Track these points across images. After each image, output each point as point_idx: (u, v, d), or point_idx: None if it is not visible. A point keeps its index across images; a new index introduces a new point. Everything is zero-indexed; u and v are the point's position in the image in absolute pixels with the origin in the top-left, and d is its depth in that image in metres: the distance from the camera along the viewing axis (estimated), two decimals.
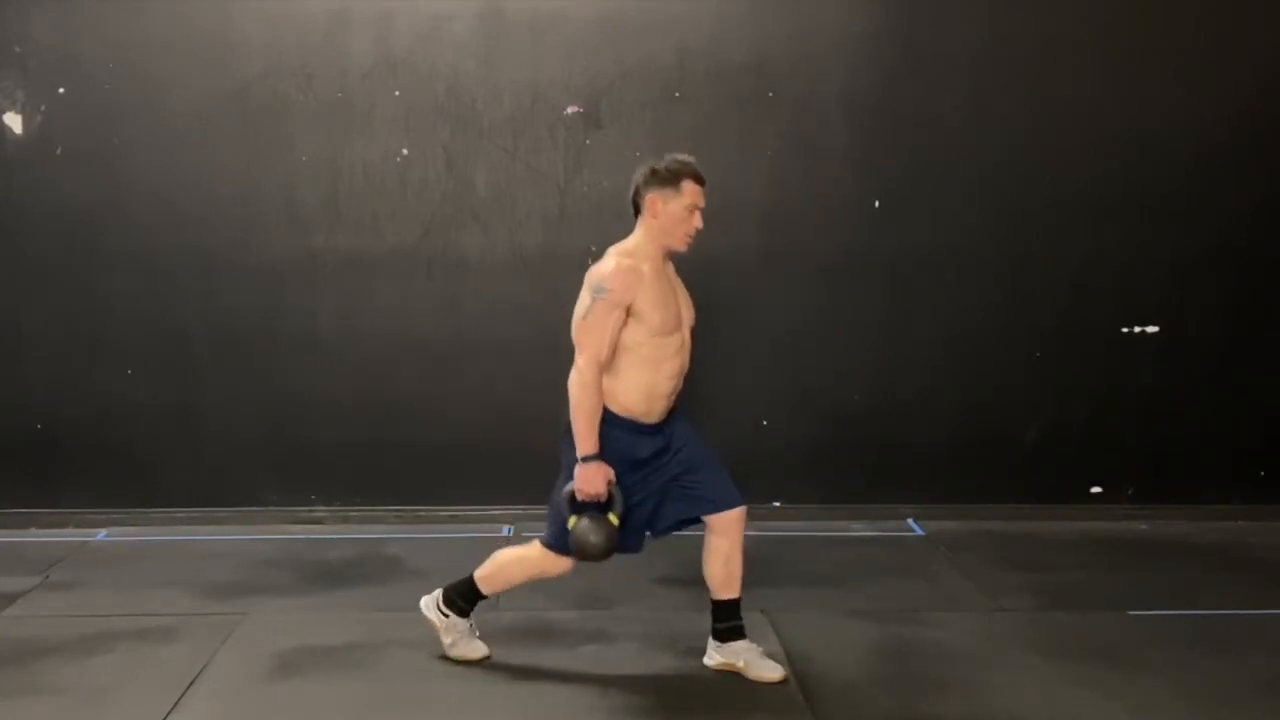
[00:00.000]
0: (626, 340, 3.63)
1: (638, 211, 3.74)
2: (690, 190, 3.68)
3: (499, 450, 5.69)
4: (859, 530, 5.61)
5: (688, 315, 3.79)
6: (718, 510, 3.77)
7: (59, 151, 5.54)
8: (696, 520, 3.82)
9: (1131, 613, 4.47)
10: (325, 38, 5.51)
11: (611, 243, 5.51)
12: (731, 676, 3.86)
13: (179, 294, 5.61)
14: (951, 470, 5.77)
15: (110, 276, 5.59)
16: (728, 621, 3.88)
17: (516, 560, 3.92)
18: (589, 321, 3.61)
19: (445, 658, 3.99)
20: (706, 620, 3.94)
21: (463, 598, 3.97)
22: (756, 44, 5.54)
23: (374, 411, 5.68)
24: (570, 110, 5.58)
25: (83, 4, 5.46)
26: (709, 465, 3.80)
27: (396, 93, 5.55)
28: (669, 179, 3.67)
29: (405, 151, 5.59)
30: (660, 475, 3.74)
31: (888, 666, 3.98)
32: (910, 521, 5.70)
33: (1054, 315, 5.74)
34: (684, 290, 3.82)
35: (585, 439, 3.61)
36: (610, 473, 3.63)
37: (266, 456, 5.73)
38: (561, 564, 3.83)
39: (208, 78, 5.51)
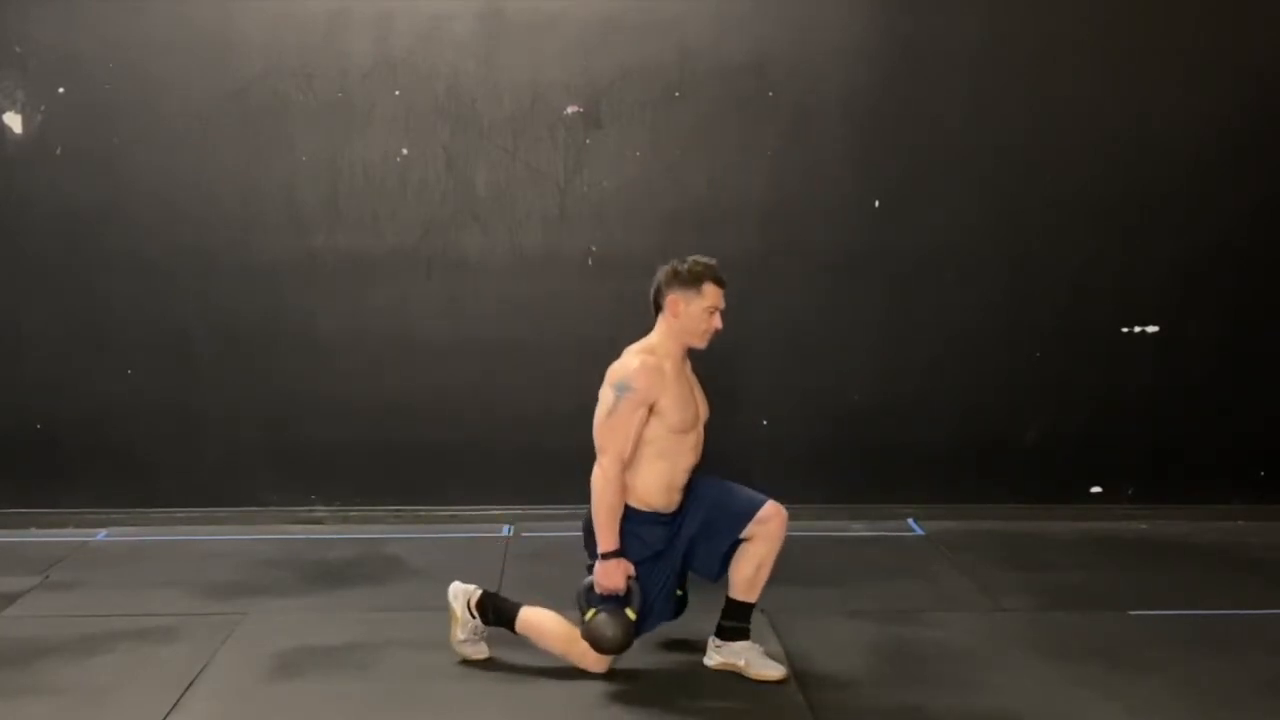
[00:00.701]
0: (646, 435, 3.73)
1: (658, 309, 3.82)
2: (711, 292, 3.77)
3: (499, 450, 5.70)
4: (859, 530, 5.61)
5: (703, 412, 3.89)
6: (750, 520, 3.77)
7: (59, 151, 5.54)
8: (738, 543, 3.82)
9: (1131, 613, 4.47)
10: (325, 38, 5.51)
11: (609, 243, 5.60)
12: (731, 676, 3.86)
13: (179, 294, 5.61)
14: (951, 470, 5.77)
15: (110, 276, 5.58)
16: (736, 622, 3.89)
17: (564, 639, 3.89)
18: (614, 421, 3.68)
19: (447, 650, 3.99)
20: (707, 620, 3.94)
21: (495, 615, 3.98)
22: (756, 44, 5.54)
23: (374, 411, 5.68)
24: (570, 110, 5.58)
25: (83, 4, 5.46)
26: (724, 496, 3.83)
27: (396, 93, 5.55)
28: (691, 281, 3.76)
29: (405, 151, 5.59)
30: (679, 544, 3.81)
31: (888, 666, 3.98)
32: (910, 521, 5.70)
33: (1054, 315, 5.74)
34: (699, 387, 3.92)
35: (607, 535, 3.69)
36: (630, 569, 3.71)
37: (266, 456, 5.73)
38: (602, 663, 3.84)
39: (208, 78, 5.51)
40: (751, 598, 3.86)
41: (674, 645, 4.10)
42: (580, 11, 5.53)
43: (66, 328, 5.62)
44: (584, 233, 5.62)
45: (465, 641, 3.98)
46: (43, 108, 5.51)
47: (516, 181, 5.62)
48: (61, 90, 5.51)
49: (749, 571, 3.82)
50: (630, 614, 3.71)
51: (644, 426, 3.70)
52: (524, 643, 4.01)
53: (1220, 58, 5.61)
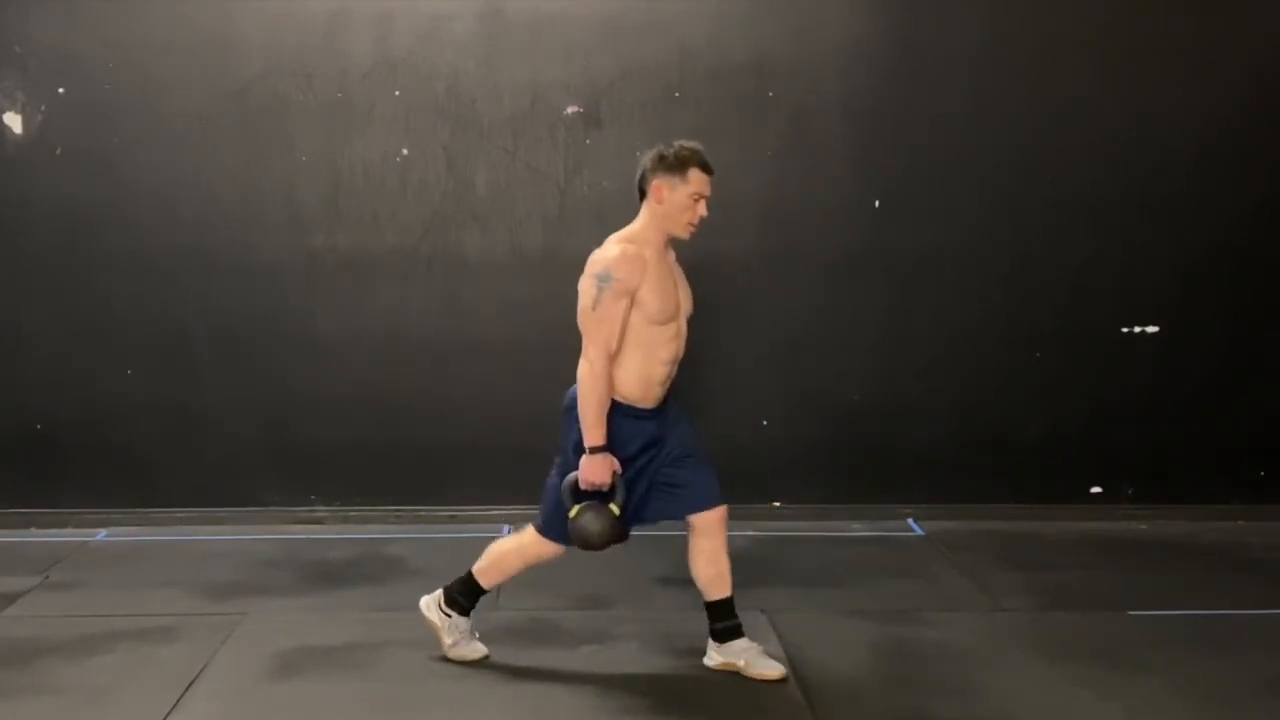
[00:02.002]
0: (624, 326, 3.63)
1: (643, 195, 3.72)
2: (696, 178, 3.66)
3: (499, 450, 5.69)
4: (859, 530, 5.61)
5: (686, 304, 3.78)
6: (699, 510, 3.77)
7: (59, 151, 5.54)
8: (678, 518, 3.81)
9: (1131, 613, 4.47)
10: (325, 38, 5.51)
11: None
12: (731, 676, 3.86)
13: (179, 294, 5.61)
14: (951, 470, 5.77)
15: (110, 276, 5.59)
16: (724, 621, 3.87)
17: (513, 550, 3.93)
18: (599, 313, 3.59)
19: (445, 659, 3.98)
20: (706, 621, 3.94)
21: (463, 595, 3.96)
22: (756, 44, 5.55)
23: (374, 411, 5.68)
24: (570, 110, 5.58)
25: (83, 4, 5.46)
26: (693, 463, 3.79)
27: (396, 93, 5.55)
28: (676, 166, 3.65)
29: (405, 151, 5.59)
30: (650, 467, 3.74)
31: (888, 666, 3.98)
32: (910, 521, 5.70)
33: (1054, 315, 5.74)
34: (684, 279, 3.81)
35: (594, 429, 3.61)
36: (616, 464, 3.64)
37: (266, 456, 5.73)
38: (555, 548, 3.84)
39: (208, 78, 5.51)
40: (724, 592, 3.83)
41: (674, 645, 4.09)
42: (580, 11, 5.53)
43: (66, 328, 5.62)
44: (584, 233, 5.56)
45: (457, 644, 3.97)
46: (43, 108, 5.51)
47: (516, 181, 5.62)
48: (61, 90, 5.51)
49: (707, 570, 3.80)
50: (614, 509, 3.63)
51: (627, 316, 3.61)
52: (524, 643, 4.01)
53: (1220, 58, 5.61)
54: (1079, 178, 5.65)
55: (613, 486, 3.64)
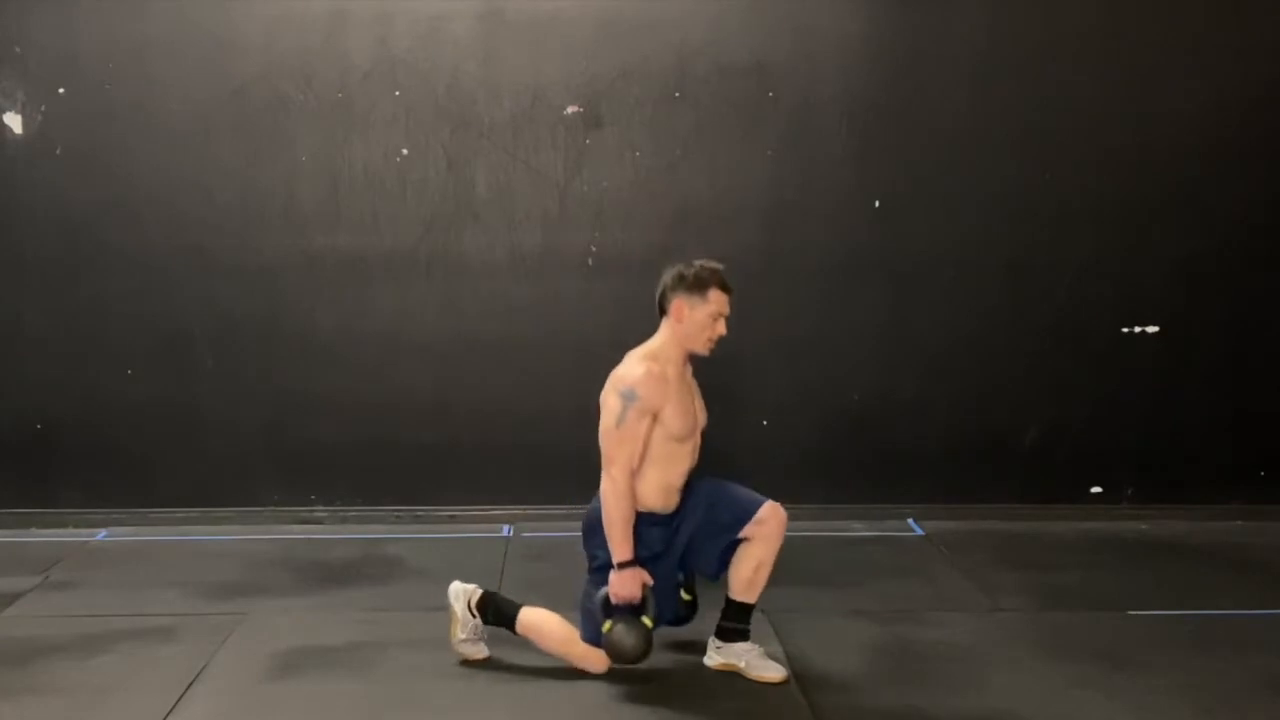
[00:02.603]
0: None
1: (663, 312, 3.77)
2: (716, 298, 3.73)
3: (499, 450, 5.69)
4: (859, 530, 5.61)
5: (702, 418, 3.86)
6: (749, 517, 3.76)
7: (59, 151, 5.54)
8: (738, 542, 3.80)
9: (1131, 613, 4.47)
10: (325, 38, 5.50)
11: (609, 243, 5.60)
12: (732, 676, 3.86)
13: (179, 294, 5.60)
14: (951, 470, 5.77)
15: (110, 276, 5.58)
16: (736, 623, 3.88)
17: (563, 640, 3.91)
18: (622, 431, 3.64)
19: (447, 652, 3.98)
20: (707, 620, 3.94)
21: (496, 616, 3.98)
22: (756, 44, 5.54)
23: (374, 411, 5.67)
24: (570, 110, 5.58)
25: (83, 4, 5.45)
26: (722, 495, 3.81)
27: (396, 93, 5.55)
28: (696, 286, 3.71)
29: (405, 151, 5.59)
30: (679, 542, 3.78)
31: (888, 666, 3.98)
32: (910, 521, 5.70)
33: (1054, 315, 5.74)
34: (699, 394, 3.88)
35: (621, 545, 3.65)
36: (646, 577, 3.69)
37: (266, 456, 5.73)
38: (604, 662, 3.83)
39: (208, 78, 5.50)
40: (751, 598, 3.85)
41: (674, 645, 4.09)
42: (580, 11, 5.53)
43: (66, 328, 5.62)
44: (584, 233, 5.62)
45: (465, 641, 3.98)
46: (43, 108, 5.51)
47: (516, 181, 5.62)
48: (61, 90, 5.50)
49: (748, 572, 3.80)
50: (647, 622, 3.69)
51: (649, 434, 3.68)
52: (524, 643, 4.01)
53: (1220, 58, 5.60)
54: (1079, 178, 5.65)
55: (644, 599, 3.68)
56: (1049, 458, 5.80)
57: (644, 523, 3.74)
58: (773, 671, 3.84)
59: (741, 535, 3.78)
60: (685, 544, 3.81)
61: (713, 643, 3.93)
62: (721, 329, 3.76)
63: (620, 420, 3.63)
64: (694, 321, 3.71)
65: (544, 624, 3.93)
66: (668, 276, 3.76)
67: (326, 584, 4.84)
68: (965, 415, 5.77)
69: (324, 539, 5.47)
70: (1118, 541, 5.43)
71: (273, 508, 5.72)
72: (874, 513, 5.73)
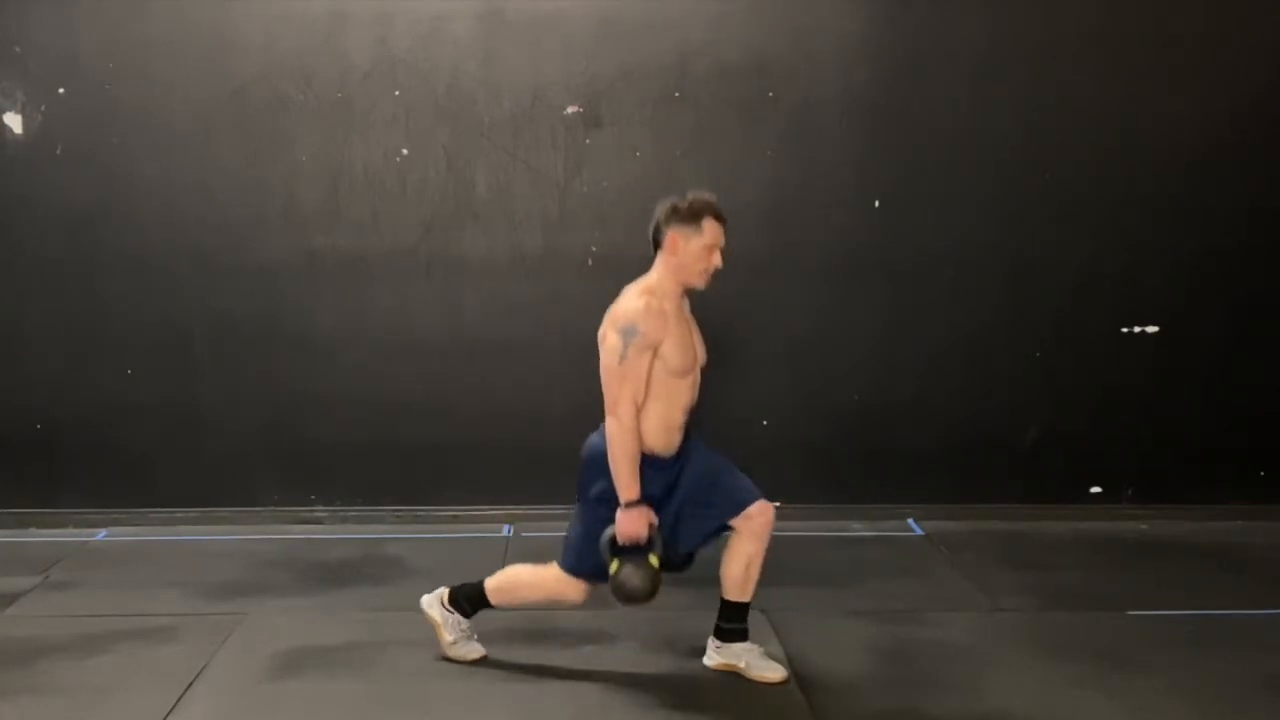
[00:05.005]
0: None
1: (657, 247, 3.74)
2: (711, 229, 3.69)
3: (499, 450, 5.69)
4: (859, 530, 5.61)
5: (701, 354, 3.82)
6: (739, 510, 3.75)
7: (59, 151, 5.54)
8: (724, 529, 3.79)
9: (1131, 613, 4.47)
10: (325, 38, 5.51)
11: (609, 243, 5.60)
12: (731, 676, 3.86)
13: (179, 294, 5.61)
14: (951, 470, 5.77)
15: (110, 276, 5.58)
16: (734, 623, 3.88)
17: (533, 583, 3.91)
18: (625, 367, 3.59)
19: (444, 658, 3.99)
20: (707, 620, 3.94)
21: (469, 601, 3.97)
22: (756, 44, 5.54)
23: (374, 411, 5.67)
24: (570, 110, 5.58)
25: (83, 4, 5.45)
26: (721, 474, 3.80)
27: (396, 93, 5.55)
28: (690, 217, 3.68)
29: (405, 151, 5.59)
30: (674, 501, 3.74)
31: (888, 666, 3.98)
32: (910, 521, 5.70)
33: (1054, 315, 5.74)
34: (697, 328, 3.84)
35: (629, 484, 3.61)
36: (653, 516, 3.65)
37: (266, 456, 5.73)
38: (579, 590, 3.82)
39: (208, 78, 5.50)
40: (745, 597, 3.84)
41: (674, 645, 4.10)
42: (580, 11, 5.53)
43: (66, 328, 5.62)
44: (584, 233, 5.62)
45: (456, 643, 3.98)
46: (43, 108, 5.51)
47: (516, 181, 5.62)
48: (61, 90, 5.50)
49: (739, 571, 3.79)
50: (654, 561, 3.64)
51: (650, 369, 3.62)
52: (523, 642, 4.01)
53: (1220, 58, 5.60)
54: (1079, 178, 5.65)
55: (650, 539, 3.65)
56: (1049, 458, 5.80)
57: (646, 464, 3.67)
58: (773, 671, 3.84)
59: (730, 523, 3.75)
60: (678, 507, 3.74)
61: (712, 643, 3.93)
62: (717, 260, 3.71)
63: (622, 357, 3.58)
64: (689, 253, 3.67)
65: (510, 578, 3.93)
66: (661, 210, 3.71)
67: (326, 584, 4.85)
68: (965, 415, 5.77)
69: (324, 539, 5.47)
70: (1118, 541, 5.43)
71: (273, 508, 5.72)
72: (874, 512, 5.73)
